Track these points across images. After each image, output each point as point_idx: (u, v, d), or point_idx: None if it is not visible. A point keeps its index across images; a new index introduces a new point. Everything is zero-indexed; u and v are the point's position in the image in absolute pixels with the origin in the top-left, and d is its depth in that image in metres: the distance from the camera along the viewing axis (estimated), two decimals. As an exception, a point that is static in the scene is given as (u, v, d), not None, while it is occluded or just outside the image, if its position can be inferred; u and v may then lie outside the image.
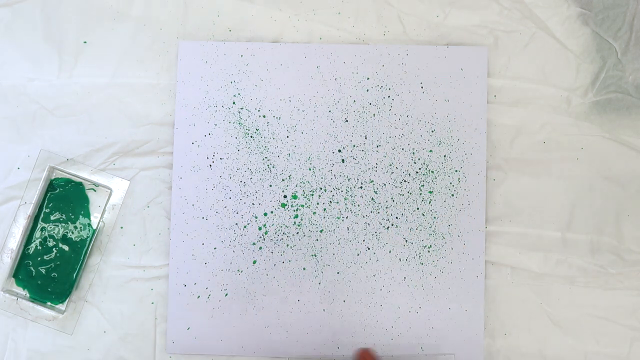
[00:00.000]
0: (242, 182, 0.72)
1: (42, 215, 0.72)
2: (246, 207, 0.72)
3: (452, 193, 0.72)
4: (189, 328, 0.71)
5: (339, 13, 0.74)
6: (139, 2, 0.74)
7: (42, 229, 0.72)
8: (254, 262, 0.72)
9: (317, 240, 0.72)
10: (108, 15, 0.74)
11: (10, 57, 0.73)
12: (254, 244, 0.72)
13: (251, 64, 0.73)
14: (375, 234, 0.72)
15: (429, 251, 0.72)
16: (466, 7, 0.74)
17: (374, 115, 0.73)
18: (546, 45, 0.74)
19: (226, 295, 0.71)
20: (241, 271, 0.71)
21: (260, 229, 0.72)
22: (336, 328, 0.71)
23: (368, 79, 0.73)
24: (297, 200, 0.72)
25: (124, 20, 0.74)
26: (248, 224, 0.72)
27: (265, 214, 0.72)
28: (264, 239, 0.72)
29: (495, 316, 0.71)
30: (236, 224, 0.72)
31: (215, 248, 0.72)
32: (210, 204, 0.72)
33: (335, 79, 0.73)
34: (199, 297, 0.71)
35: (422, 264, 0.72)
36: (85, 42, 0.74)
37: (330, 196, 0.72)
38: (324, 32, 0.74)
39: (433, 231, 0.72)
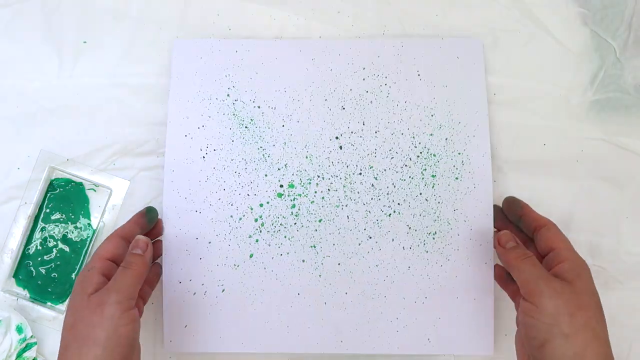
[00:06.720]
0: (237, 172, 0.67)
1: (42, 216, 0.69)
2: (241, 198, 0.67)
3: (457, 176, 0.67)
4: (186, 326, 0.65)
5: (339, 12, 0.72)
6: (139, 2, 0.72)
7: (42, 229, 0.69)
8: (251, 255, 0.66)
9: (316, 230, 0.66)
10: (108, 15, 0.71)
11: (10, 57, 0.71)
12: (250, 236, 0.66)
13: (246, 59, 0.69)
14: (376, 222, 0.66)
15: (434, 238, 0.66)
16: (465, 6, 0.72)
17: (371, 102, 0.68)
18: (545, 45, 0.71)
19: (223, 291, 0.66)
20: (238, 265, 0.66)
21: (256, 220, 0.66)
22: (338, 321, 0.66)
23: (364, 69, 0.69)
24: (294, 190, 0.67)
25: (123, 20, 0.71)
26: (243, 215, 0.66)
27: (261, 205, 0.67)
28: (261, 231, 0.66)
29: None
30: (231, 216, 0.66)
31: (209, 242, 0.66)
32: (203, 197, 0.67)
33: (331, 69, 0.69)
34: (194, 293, 0.66)
35: (427, 251, 0.66)
36: (85, 42, 0.71)
37: (329, 184, 0.67)
38: (323, 31, 0.71)
39: (438, 217, 0.66)
